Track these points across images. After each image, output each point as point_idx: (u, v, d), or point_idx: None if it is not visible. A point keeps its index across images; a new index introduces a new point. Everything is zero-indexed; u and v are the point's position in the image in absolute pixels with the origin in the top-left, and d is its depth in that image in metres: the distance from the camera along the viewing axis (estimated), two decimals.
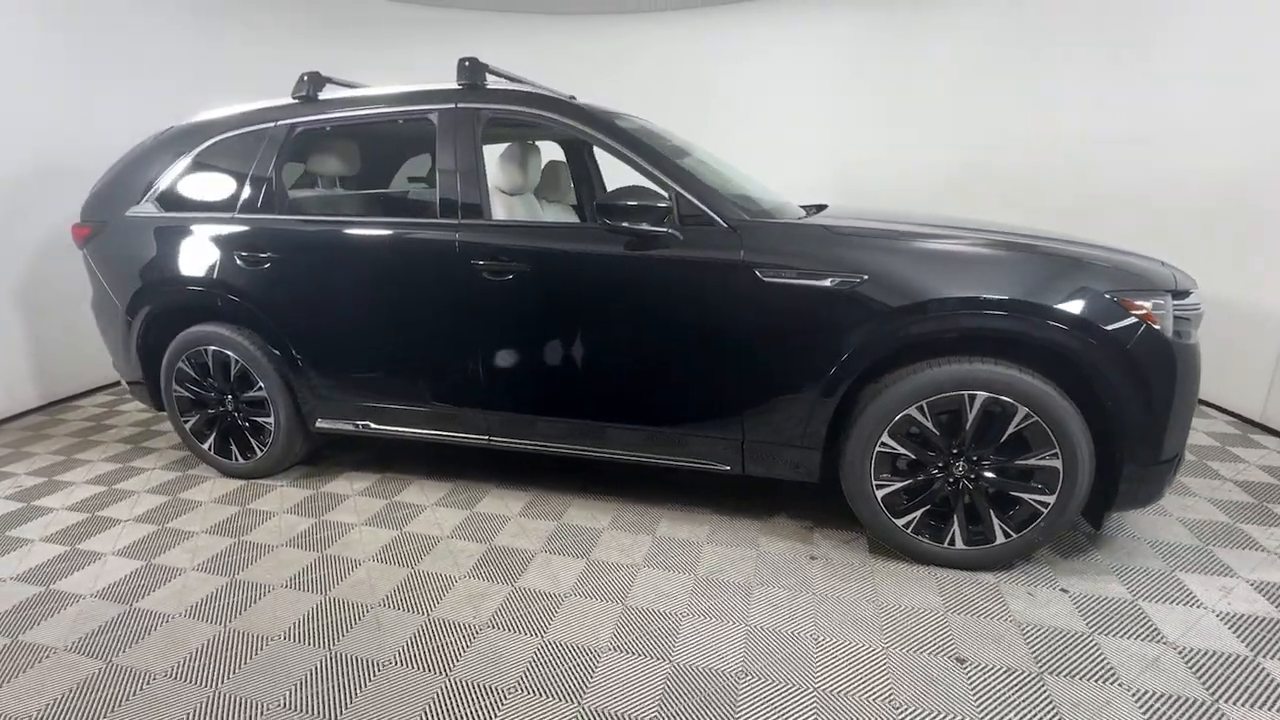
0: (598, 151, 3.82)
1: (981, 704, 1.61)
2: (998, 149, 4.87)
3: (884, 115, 5.40)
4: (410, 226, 2.52)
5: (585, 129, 2.36)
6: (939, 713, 1.58)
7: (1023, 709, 1.59)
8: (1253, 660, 1.73)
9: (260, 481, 2.93)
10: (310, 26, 5.39)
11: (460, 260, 2.38)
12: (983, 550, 2.10)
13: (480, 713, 1.61)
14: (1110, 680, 1.67)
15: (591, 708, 1.62)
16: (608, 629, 1.91)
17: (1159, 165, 3.79)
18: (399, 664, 1.79)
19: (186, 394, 2.89)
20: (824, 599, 2.03)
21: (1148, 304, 1.88)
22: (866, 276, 2.00)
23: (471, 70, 2.50)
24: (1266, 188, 3.23)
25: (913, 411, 2.03)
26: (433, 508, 2.65)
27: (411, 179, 3.92)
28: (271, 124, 2.71)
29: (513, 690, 1.68)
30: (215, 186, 2.81)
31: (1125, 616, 1.92)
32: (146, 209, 2.85)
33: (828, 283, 2.04)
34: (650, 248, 2.18)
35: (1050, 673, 1.71)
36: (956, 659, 1.76)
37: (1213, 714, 1.56)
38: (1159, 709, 1.58)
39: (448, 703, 1.65)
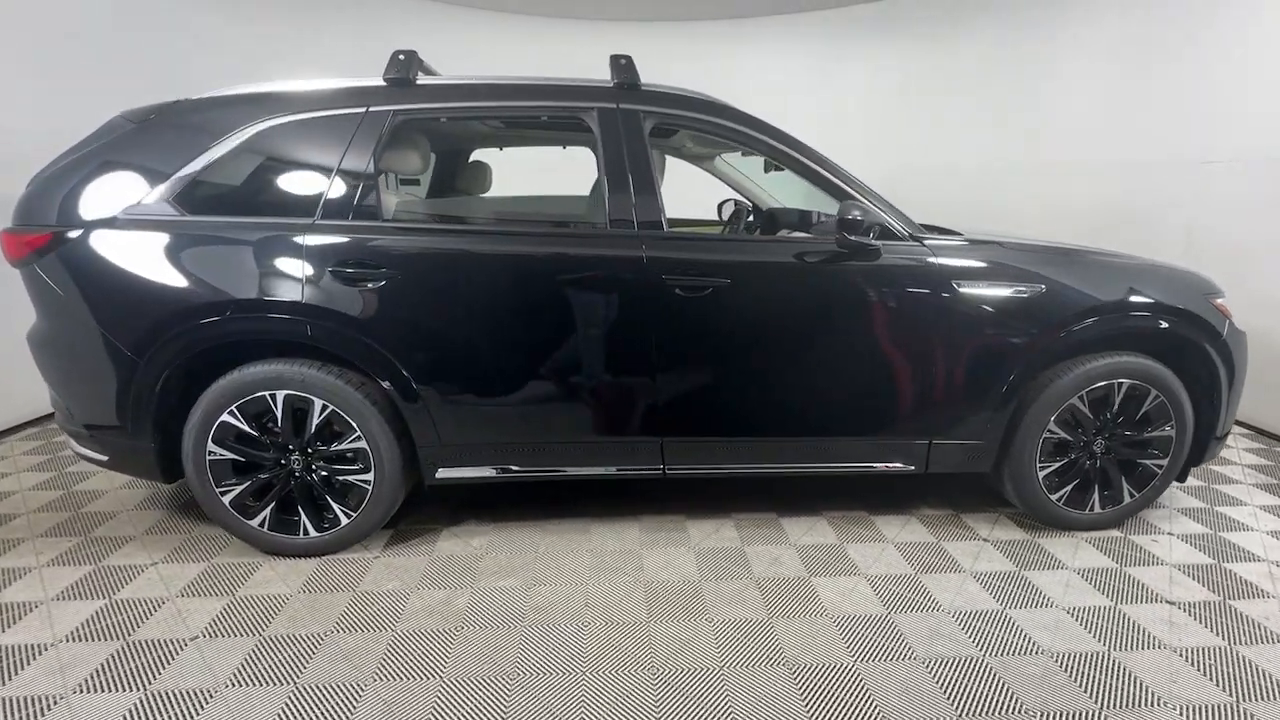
0: None
1: (1220, 633, 1.96)
2: (903, 177, 5.71)
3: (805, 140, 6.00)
4: (580, 239, 2.23)
5: (763, 138, 2.32)
6: (1193, 647, 1.90)
7: (1246, 630, 1.97)
8: None
9: (336, 558, 2.32)
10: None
11: (650, 275, 2.17)
12: (1114, 511, 2.52)
13: None
14: (1265, 596, 2.15)
15: None
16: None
17: (1048, 194, 4.81)
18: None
19: (229, 456, 2.18)
20: (1028, 574, 2.26)
21: (1223, 301, 2.45)
22: (1044, 287, 2.29)
23: (628, 69, 2.29)
24: (1132, 219, 4.29)
25: (1074, 400, 2.37)
26: (633, 553, 2.36)
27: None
28: (363, 109, 2.18)
29: None
30: (277, 183, 2.18)
31: (1224, 546, 2.46)
32: (157, 209, 2.10)
33: (1010, 291, 2.29)
34: (859, 260, 2.23)
35: (1230, 599, 2.14)
36: (1167, 603, 2.12)
37: None
38: None
39: None
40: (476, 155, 3.35)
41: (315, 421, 2.17)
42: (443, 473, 2.30)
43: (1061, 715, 1.65)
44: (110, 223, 2.08)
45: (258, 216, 2.14)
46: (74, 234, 2.06)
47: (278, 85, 2.22)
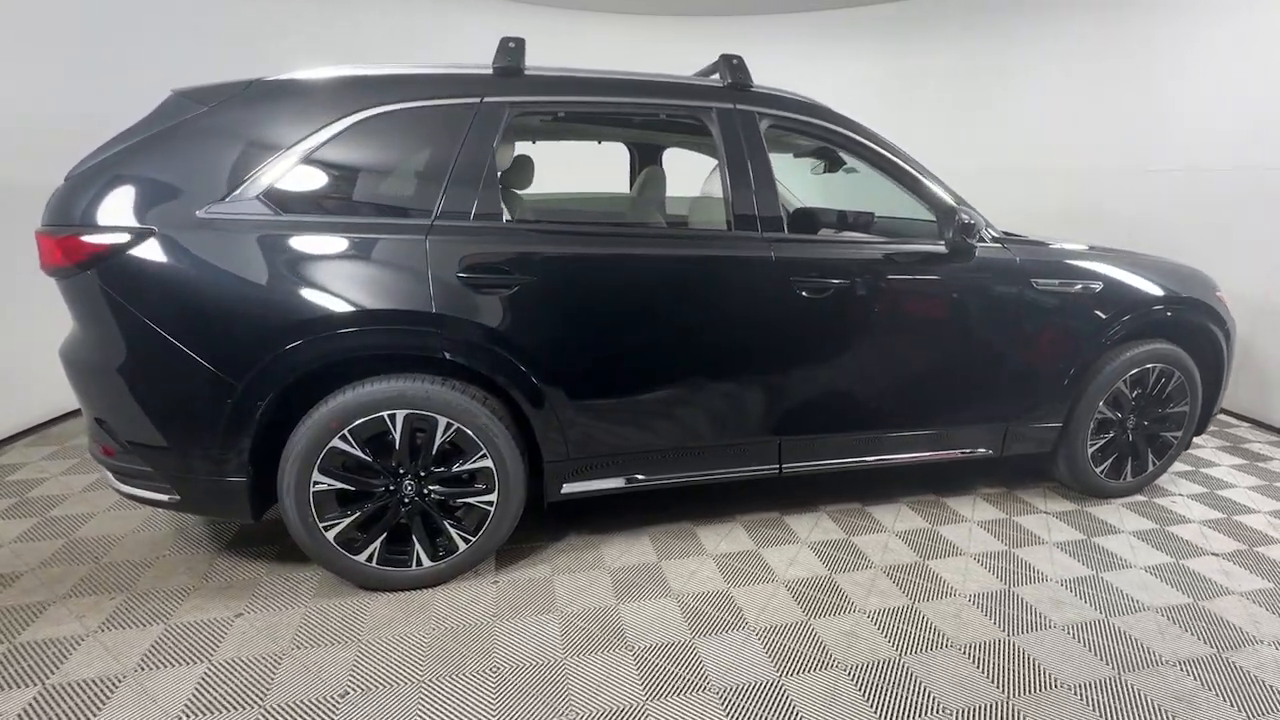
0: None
1: (1265, 576, 2.31)
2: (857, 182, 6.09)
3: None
4: (710, 240, 2.20)
5: (864, 141, 2.40)
6: (1253, 590, 2.23)
7: (1272, 574, 2.34)
8: None
9: (449, 588, 2.13)
10: None
11: (778, 277, 2.18)
12: (1141, 478, 2.88)
13: None
14: (1272, 542, 2.56)
15: None
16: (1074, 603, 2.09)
17: (1012, 196, 5.31)
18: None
19: (337, 486, 1.94)
20: (1098, 540, 2.53)
21: (1222, 294, 2.86)
22: (1102, 284, 2.56)
23: (740, 69, 2.28)
24: (1082, 221, 4.86)
25: (1120, 384, 2.67)
26: (752, 553, 2.35)
27: None
28: (476, 99, 2.00)
29: None
30: (384, 180, 1.96)
31: (1224, 502, 2.88)
32: (248, 208, 1.81)
33: (1078, 288, 2.54)
34: (958, 260, 2.37)
35: (1254, 546, 2.52)
36: (1212, 555, 2.46)
37: None
38: None
39: None
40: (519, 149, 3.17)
41: (438, 442, 1.98)
42: (568, 487, 2.19)
43: (1191, 663, 1.88)
44: (187, 224, 1.77)
45: (361, 217, 1.91)
46: (140, 237, 1.73)
47: (377, 69, 1.99)
